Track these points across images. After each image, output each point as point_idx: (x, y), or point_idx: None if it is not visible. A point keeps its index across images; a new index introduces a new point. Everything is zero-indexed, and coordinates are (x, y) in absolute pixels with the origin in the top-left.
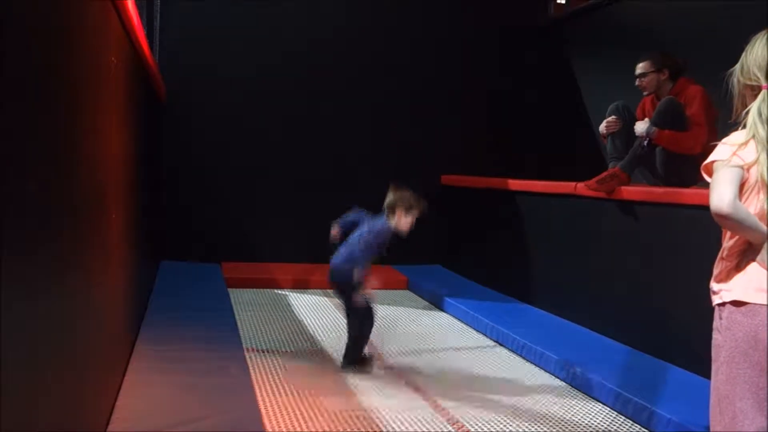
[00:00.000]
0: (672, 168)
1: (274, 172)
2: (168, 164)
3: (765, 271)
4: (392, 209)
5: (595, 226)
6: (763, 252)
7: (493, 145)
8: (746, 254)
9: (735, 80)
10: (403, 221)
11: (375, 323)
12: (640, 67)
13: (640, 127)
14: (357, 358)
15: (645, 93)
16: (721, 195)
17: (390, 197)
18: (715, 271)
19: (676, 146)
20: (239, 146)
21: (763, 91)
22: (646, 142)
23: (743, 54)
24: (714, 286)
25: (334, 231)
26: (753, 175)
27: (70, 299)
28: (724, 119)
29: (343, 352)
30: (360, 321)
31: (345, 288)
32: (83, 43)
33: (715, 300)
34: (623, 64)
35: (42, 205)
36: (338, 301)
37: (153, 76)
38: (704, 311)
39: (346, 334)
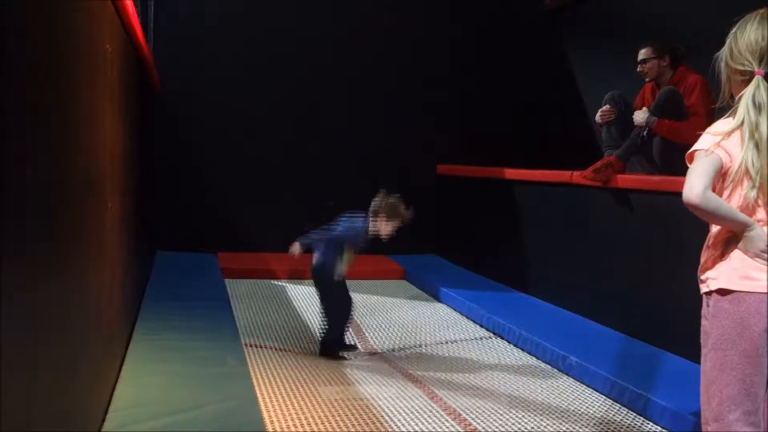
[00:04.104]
0: (669, 157)
1: (269, 161)
2: (162, 154)
3: (749, 259)
4: (375, 214)
5: (591, 214)
6: (746, 240)
7: (489, 135)
8: (731, 242)
9: (723, 64)
10: (383, 227)
11: (349, 315)
12: (642, 53)
13: (640, 116)
14: (333, 347)
15: (646, 79)
16: (692, 185)
17: (375, 202)
18: (702, 260)
19: (676, 136)
20: (234, 135)
21: (757, 77)
22: (645, 132)
23: (731, 37)
24: (701, 274)
25: (295, 248)
26: (737, 164)
27: (67, 289)
28: (724, 109)
29: (320, 340)
30: (332, 311)
31: (316, 281)
32: (78, 30)
33: (703, 288)
34: (619, 52)
35: (38, 194)
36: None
37: (147, 64)
38: (700, 299)
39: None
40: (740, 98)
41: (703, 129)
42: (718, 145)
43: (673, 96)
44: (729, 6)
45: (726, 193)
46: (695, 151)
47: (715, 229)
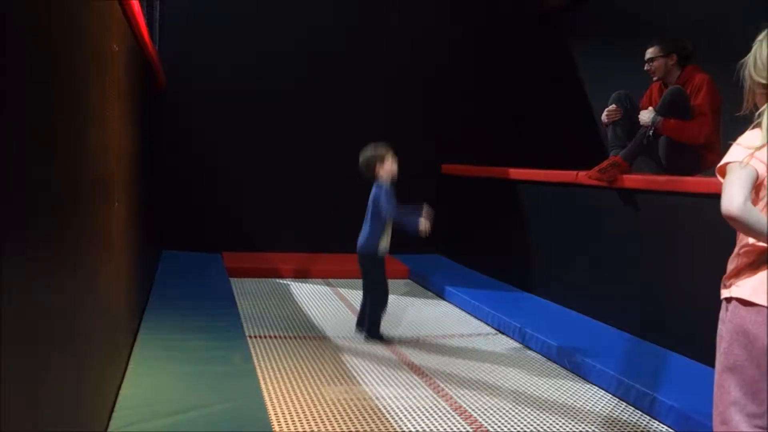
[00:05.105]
0: (674, 157)
1: (274, 161)
2: (168, 154)
3: None
4: (371, 169)
5: (596, 214)
6: None
7: (494, 135)
8: (762, 254)
9: (747, 74)
10: (387, 170)
11: (385, 302)
12: (649, 52)
13: (645, 116)
14: (375, 332)
15: (654, 78)
16: (731, 197)
17: (361, 162)
18: (730, 267)
19: (681, 135)
20: (240, 135)
21: None
22: (651, 132)
23: (756, 46)
24: (726, 280)
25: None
26: None
27: (73, 288)
28: (731, 109)
29: (366, 326)
30: (377, 290)
31: (362, 262)
32: (85, 30)
33: (724, 293)
34: (625, 52)
35: (45, 193)
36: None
37: (153, 63)
38: (705, 299)
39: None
40: (761, 113)
41: (709, 129)
42: (752, 156)
43: (679, 95)
44: (734, 5)
45: (761, 204)
46: (728, 163)
47: (745, 239)
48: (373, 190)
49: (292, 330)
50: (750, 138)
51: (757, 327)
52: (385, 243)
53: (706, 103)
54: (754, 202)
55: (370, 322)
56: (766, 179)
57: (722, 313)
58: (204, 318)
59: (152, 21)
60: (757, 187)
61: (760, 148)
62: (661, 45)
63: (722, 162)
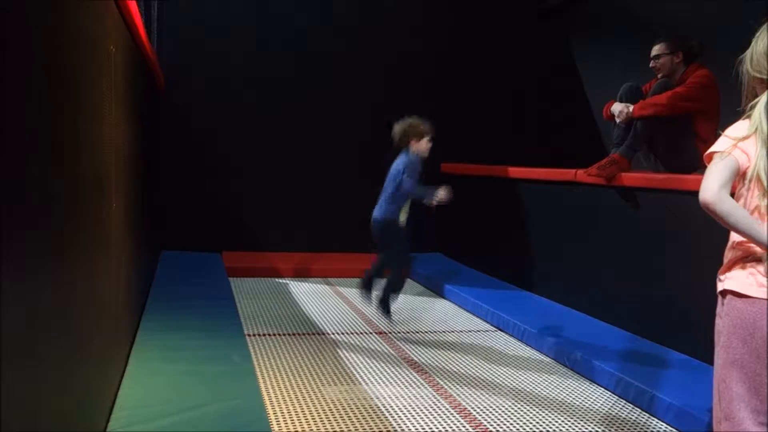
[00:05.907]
0: (673, 155)
1: (274, 161)
2: (167, 154)
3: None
4: (405, 142)
5: (596, 212)
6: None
7: (493, 133)
8: (755, 250)
9: (744, 69)
10: (420, 148)
11: (402, 279)
12: (655, 49)
13: (617, 110)
14: (386, 308)
15: (658, 75)
16: (706, 185)
17: (396, 131)
18: (724, 260)
19: (661, 110)
20: (239, 135)
21: None
22: (621, 120)
23: (753, 42)
24: (720, 274)
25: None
26: (753, 166)
27: (71, 288)
28: (733, 106)
29: (379, 296)
30: (395, 261)
31: (380, 233)
32: (82, 31)
33: (719, 287)
34: (625, 49)
35: (43, 193)
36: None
37: (151, 64)
38: (704, 297)
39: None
40: (754, 105)
41: (681, 99)
42: (735, 146)
43: (665, 85)
44: (737, 5)
45: (747, 193)
46: (713, 153)
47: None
48: (400, 158)
49: (292, 328)
50: (737, 129)
51: (754, 317)
52: (403, 216)
53: (690, 84)
54: (741, 191)
55: (382, 295)
56: (748, 169)
57: (719, 308)
58: (203, 318)
59: (151, 21)
60: (742, 175)
61: (743, 138)
62: (668, 42)
63: (708, 151)
